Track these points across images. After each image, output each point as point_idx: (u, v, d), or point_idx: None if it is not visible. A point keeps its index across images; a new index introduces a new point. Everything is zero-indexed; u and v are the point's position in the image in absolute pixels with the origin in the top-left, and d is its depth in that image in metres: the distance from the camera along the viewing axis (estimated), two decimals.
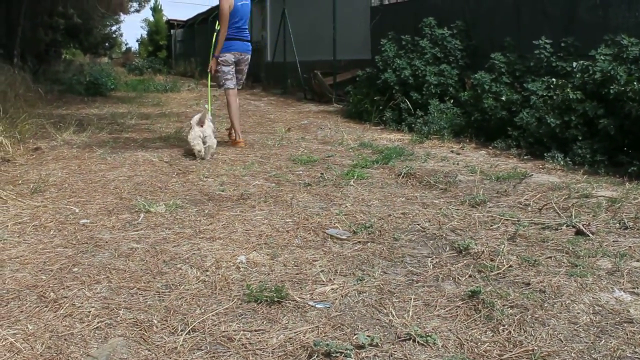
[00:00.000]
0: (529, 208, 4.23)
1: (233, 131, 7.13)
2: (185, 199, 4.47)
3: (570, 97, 6.09)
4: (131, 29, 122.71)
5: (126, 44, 52.99)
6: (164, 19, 40.38)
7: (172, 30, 36.03)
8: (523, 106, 6.80)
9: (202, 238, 3.55)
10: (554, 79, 6.61)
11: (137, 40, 50.62)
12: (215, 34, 6.78)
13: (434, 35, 8.98)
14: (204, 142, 6.09)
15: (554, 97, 6.37)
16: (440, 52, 8.81)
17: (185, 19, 33.52)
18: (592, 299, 2.69)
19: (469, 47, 8.88)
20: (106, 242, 3.50)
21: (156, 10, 42.26)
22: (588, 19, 7.15)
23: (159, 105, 12.81)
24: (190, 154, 6.25)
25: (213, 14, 24.64)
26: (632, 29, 6.55)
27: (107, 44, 36.38)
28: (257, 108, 12.17)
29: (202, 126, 6.15)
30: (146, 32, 44.14)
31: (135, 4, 27.21)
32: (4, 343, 2.32)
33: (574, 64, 6.58)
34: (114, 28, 34.02)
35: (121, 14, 28.46)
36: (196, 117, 6.28)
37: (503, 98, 7.07)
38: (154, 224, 3.83)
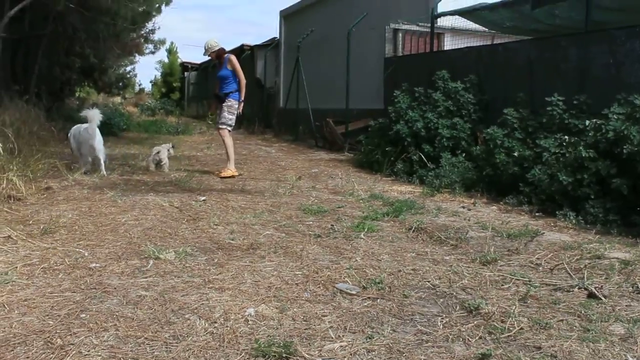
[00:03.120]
0: (541, 268, 4.23)
1: (228, 165, 8.69)
2: (195, 247, 4.51)
3: (583, 155, 6.14)
4: (145, 70, 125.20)
5: (140, 85, 53.82)
6: (179, 61, 41.11)
7: (185, 73, 36.61)
8: (535, 162, 6.84)
9: (211, 288, 3.58)
10: (566, 137, 6.67)
11: (150, 81, 51.50)
12: (222, 81, 8.73)
13: (447, 88, 9.12)
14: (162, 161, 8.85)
15: (567, 155, 6.42)
16: (453, 105, 8.93)
17: (199, 62, 34.11)
18: None
19: (482, 101, 8.99)
20: (115, 288, 3.53)
21: (171, 52, 43.10)
22: (601, 77, 7.25)
23: None
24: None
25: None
26: None
27: (121, 84, 36.99)
28: (268, 154, 12.28)
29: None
30: (160, 74, 44.92)
31: (150, 46, 27.77)
32: None
33: (587, 122, 6.64)
34: (128, 68, 34.65)
35: (136, 54, 29.03)
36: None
37: (515, 154, 7.12)
38: (163, 272, 3.87)
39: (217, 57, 8.77)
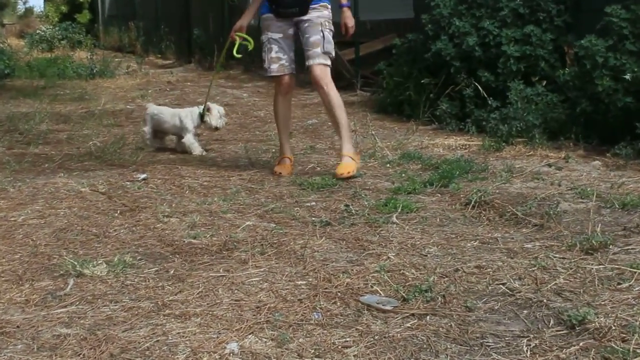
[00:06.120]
0: None
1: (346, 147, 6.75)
2: (138, 253, 4.53)
3: None
4: None
5: (25, 2, 53.40)
6: None
7: None
8: None
9: (168, 315, 3.59)
10: None
11: None
12: None
13: None
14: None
15: None
16: (523, 6, 8.85)
17: None
18: None
19: None
20: (17, 326, 3.53)
21: None
22: None
23: (83, 99, 12.88)
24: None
25: None
26: None
27: None
28: (238, 100, 12.24)
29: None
30: None
31: None
32: None
33: None
34: None
35: None
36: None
37: (627, 76, 7.09)
38: (92, 295, 3.88)
39: None
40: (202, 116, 7.73)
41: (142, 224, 5.17)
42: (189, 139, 7.79)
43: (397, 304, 3.68)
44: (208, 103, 7.85)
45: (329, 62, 6.75)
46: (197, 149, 7.78)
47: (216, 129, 7.93)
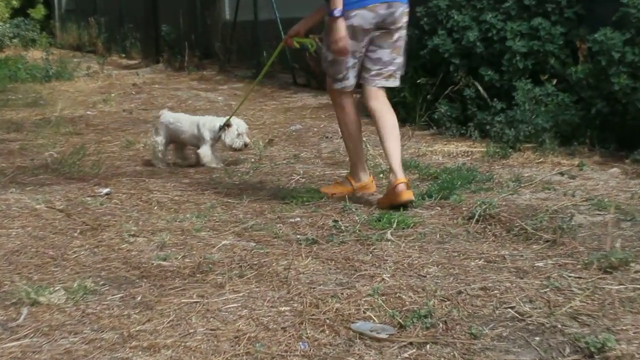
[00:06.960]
0: None
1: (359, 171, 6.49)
2: (100, 277, 4.50)
3: None
4: None
5: None
6: None
7: None
8: None
9: (134, 348, 3.56)
10: None
11: None
12: None
13: None
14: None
15: None
16: None
17: None
18: None
19: None
20: None
21: None
22: None
23: (37, 104, 12.85)
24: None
25: None
26: None
27: None
28: (212, 104, 12.24)
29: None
30: None
31: None
32: None
33: None
34: None
35: None
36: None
37: None
38: (48, 326, 3.83)
39: None
40: (221, 129, 7.65)
41: (105, 244, 5.15)
42: (204, 150, 7.69)
43: (393, 331, 3.65)
44: (233, 117, 7.77)
45: (330, 85, 6.53)
46: (212, 161, 7.69)
47: (231, 148, 7.74)
